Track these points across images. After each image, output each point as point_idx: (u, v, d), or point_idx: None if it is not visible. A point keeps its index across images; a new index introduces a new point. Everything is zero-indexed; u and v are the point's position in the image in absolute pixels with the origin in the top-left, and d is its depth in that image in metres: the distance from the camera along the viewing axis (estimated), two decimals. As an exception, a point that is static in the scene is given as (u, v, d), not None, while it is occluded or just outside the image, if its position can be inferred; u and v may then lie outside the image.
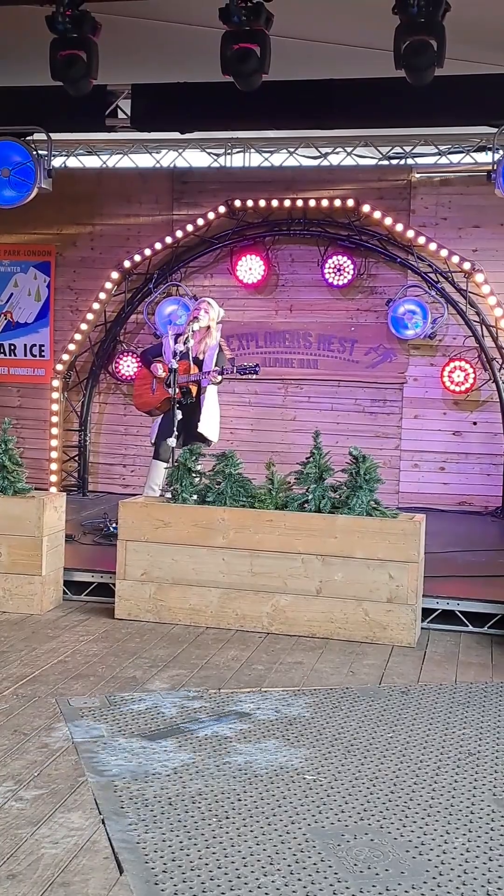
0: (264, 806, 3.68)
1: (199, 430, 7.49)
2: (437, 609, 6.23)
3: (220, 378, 7.45)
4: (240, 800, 3.72)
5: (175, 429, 7.28)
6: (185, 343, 7.40)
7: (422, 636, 5.99)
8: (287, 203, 9.92)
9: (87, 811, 3.59)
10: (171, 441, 7.34)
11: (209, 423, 7.54)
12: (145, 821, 3.53)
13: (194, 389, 7.53)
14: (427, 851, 3.38)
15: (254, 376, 7.54)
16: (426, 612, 6.16)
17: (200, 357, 7.56)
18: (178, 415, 7.33)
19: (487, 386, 9.76)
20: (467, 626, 6.18)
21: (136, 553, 6.18)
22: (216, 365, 7.47)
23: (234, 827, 3.50)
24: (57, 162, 9.69)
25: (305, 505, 6.05)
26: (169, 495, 6.47)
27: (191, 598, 6.10)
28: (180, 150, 10.30)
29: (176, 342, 7.38)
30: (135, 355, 10.32)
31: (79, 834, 3.42)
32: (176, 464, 6.42)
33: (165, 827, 3.49)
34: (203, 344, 7.59)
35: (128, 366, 10.38)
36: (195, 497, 6.25)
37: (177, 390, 7.28)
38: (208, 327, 7.59)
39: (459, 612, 6.22)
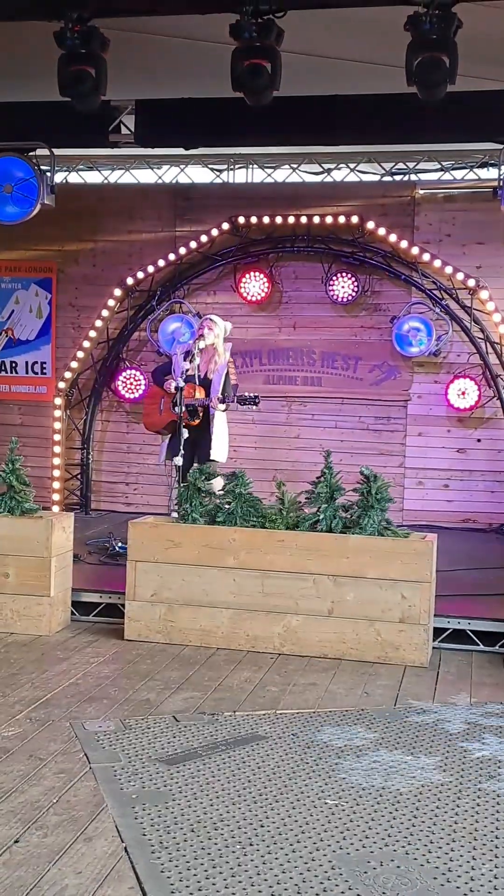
0: (287, 832, 3.66)
1: (212, 456, 7.48)
2: (449, 628, 6.23)
3: (222, 406, 7.45)
4: (262, 825, 3.71)
5: (181, 447, 7.29)
6: (190, 361, 7.41)
7: (433, 656, 6.00)
8: (291, 219, 9.95)
9: (108, 839, 3.58)
10: (177, 460, 7.35)
11: (220, 447, 7.54)
12: (168, 848, 3.51)
13: (201, 410, 7.53)
14: (455, 878, 3.38)
15: (254, 408, 7.52)
16: (437, 632, 6.16)
17: (210, 377, 7.57)
18: (185, 433, 7.34)
19: (492, 403, 9.78)
20: (478, 645, 6.18)
21: (146, 574, 6.17)
22: (222, 391, 7.46)
23: (258, 854, 3.49)
24: (58, 177, 9.71)
25: (317, 525, 6.05)
26: (177, 515, 6.48)
27: (202, 619, 6.09)
28: (182, 166, 10.35)
29: (185, 359, 7.39)
30: (137, 373, 10.34)
31: (102, 863, 3.41)
32: (185, 484, 6.42)
33: (189, 855, 3.47)
34: (212, 363, 7.60)
35: (131, 384, 10.38)
36: (205, 517, 6.25)
37: (183, 409, 7.29)
38: (214, 345, 7.60)
39: (470, 631, 6.23)
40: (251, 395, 7.45)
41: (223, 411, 7.52)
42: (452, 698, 5.29)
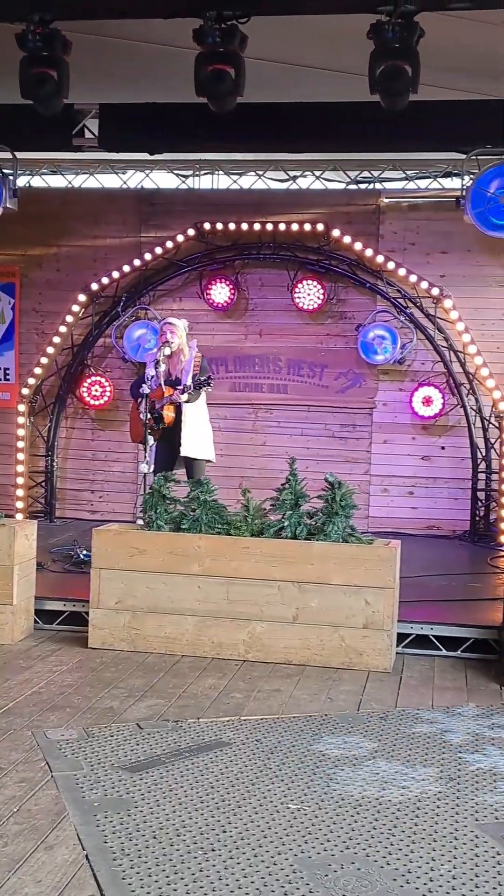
0: (249, 837, 3.69)
1: (182, 453, 7.52)
2: (412, 634, 6.29)
3: (184, 397, 7.49)
4: (224, 831, 3.73)
5: (147, 454, 7.34)
6: (156, 368, 7.46)
7: (397, 661, 6.05)
8: (256, 226, 10.01)
9: (69, 847, 3.58)
10: (143, 467, 7.38)
11: (191, 444, 7.57)
12: (130, 855, 3.53)
13: (169, 413, 7.55)
14: (414, 879, 3.42)
15: (210, 388, 7.56)
16: (400, 637, 6.21)
17: (180, 377, 7.62)
18: (150, 440, 7.38)
19: (455, 411, 9.89)
20: (441, 650, 6.25)
21: (111, 581, 6.18)
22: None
23: (220, 860, 3.51)
24: (21, 181, 9.68)
25: (282, 532, 6.10)
26: (142, 522, 6.49)
27: (166, 626, 6.10)
28: (147, 172, 10.37)
29: (154, 367, 7.44)
30: (102, 379, 10.35)
31: (62, 871, 3.41)
32: (150, 490, 6.44)
33: (151, 861, 3.49)
34: (179, 363, 7.65)
35: (96, 390, 10.38)
36: (170, 524, 6.27)
37: (148, 416, 7.34)
38: (180, 346, 7.65)
39: (433, 636, 6.29)
40: (202, 377, 7.49)
41: (186, 401, 7.54)
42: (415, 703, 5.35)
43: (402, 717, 5.10)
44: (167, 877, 3.38)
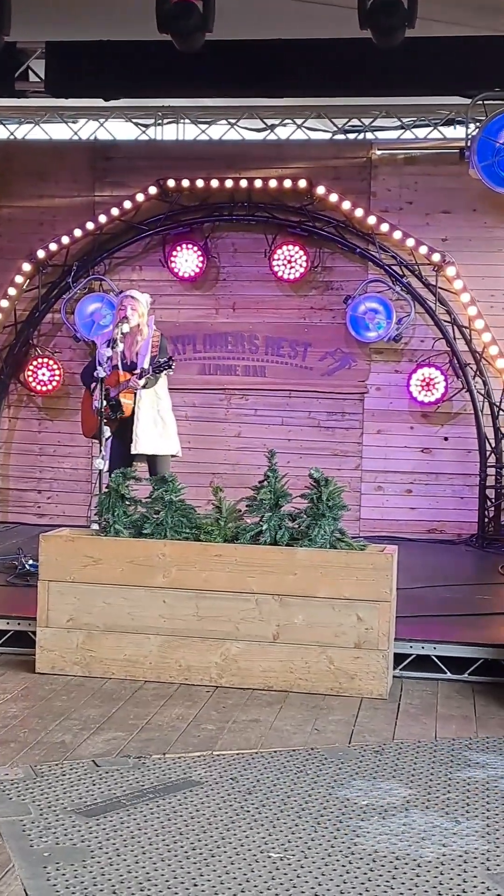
0: (225, 891, 3.68)
1: (136, 450, 7.51)
2: (412, 654, 6.31)
3: (142, 382, 7.48)
4: (196, 885, 3.72)
5: (102, 449, 7.33)
6: (112, 348, 7.43)
7: (394, 686, 6.07)
8: (229, 183, 10.01)
9: (15, 904, 3.57)
10: (98, 463, 7.36)
11: (148, 439, 7.56)
12: (86, 913, 3.52)
13: (127, 401, 7.53)
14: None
15: (171, 371, 7.55)
16: (398, 658, 6.23)
17: (135, 360, 7.60)
18: (106, 432, 7.35)
19: (460, 396, 9.93)
20: (445, 672, 6.27)
21: (61, 595, 6.15)
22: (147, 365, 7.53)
23: (191, 917, 3.51)
24: (-45, 133, 9.68)
25: (260, 537, 6.08)
26: (97, 527, 6.47)
27: (126, 647, 6.09)
28: (102, 120, 10.35)
29: (107, 347, 7.41)
30: (50, 361, 10.32)
31: (8, 931, 3.40)
32: (106, 490, 6.42)
33: (110, 919, 3.48)
34: (135, 345, 7.63)
35: (43, 374, 10.35)
36: (130, 529, 6.25)
37: (104, 404, 7.32)
38: (139, 325, 7.63)
39: (436, 657, 6.31)
40: (163, 359, 7.49)
41: (144, 386, 7.53)
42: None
43: (399, 751, 5.10)
44: (129, 938, 3.37)
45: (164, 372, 7.48)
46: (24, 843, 4.00)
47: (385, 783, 4.70)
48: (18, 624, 6.55)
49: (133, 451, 7.55)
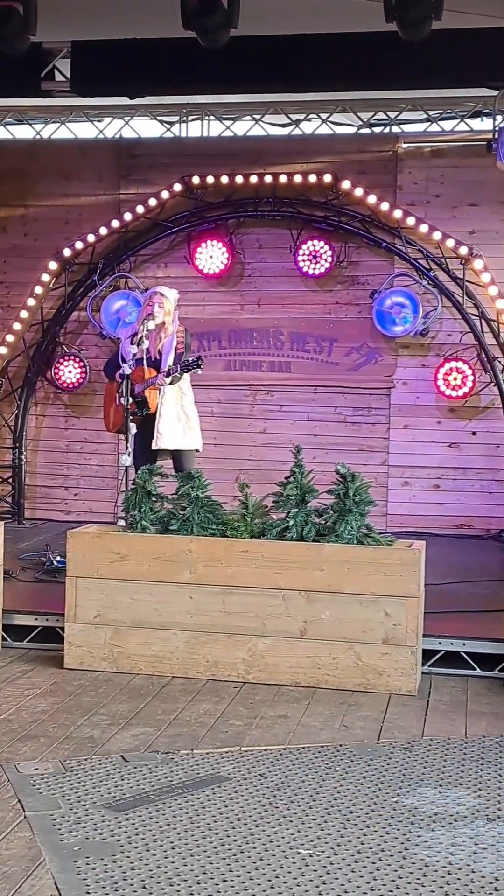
0: (255, 887, 3.69)
1: (157, 445, 7.52)
2: (440, 651, 6.29)
3: (168, 380, 7.49)
4: (225, 880, 3.73)
5: (128, 445, 7.34)
6: (138, 345, 7.44)
7: (423, 682, 6.05)
8: (253, 179, 9.99)
9: (46, 898, 3.59)
10: (125, 459, 7.37)
11: (168, 435, 7.56)
12: (115, 908, 3.53)
13: (153, 398, 7.55)
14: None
15: (199, 370, 7.54)
16: (427, 655, 6.21)
17: (159, 357, 7.61)
18: (132, 429, 7.37)
19: (488, 390, 9.88)
20: (475, 669, 6.24)
21: (89, 592, 6.17)
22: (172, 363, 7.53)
23: (220, 912, 3.51)
24: (-19, 132, 9.72)
25: (286, 532, 6.08)
26: (124, 523, 6.49)
27: (153, 643, 6.10)
28: (127, 118, 10.36)
29: (132, 343, 7.41)
30: (76, 359, 10.35)
31: (38, 925, 3.41)
32: (133, 486, 6.43)
33: (140, 914, 3.49)
34: (159, 341, 7.63)
35: (70, 371, 10.38)
36: (157, 525, 6.26)
37: (130, 401, 7.33)
38: (164, 322, 7.63)
39: (465, 653, 6.29)
40: (192, 358, 7.49)
41: (170, 384, 7.53)
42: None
43: (429, 749, 5.09)
44: (159, 933, 3.38)
45: (193, 371, 7.48)
46: (55, 837, 4.03)
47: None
48: (47, 620, 6.58)
49: (154, 447, 7.55)
